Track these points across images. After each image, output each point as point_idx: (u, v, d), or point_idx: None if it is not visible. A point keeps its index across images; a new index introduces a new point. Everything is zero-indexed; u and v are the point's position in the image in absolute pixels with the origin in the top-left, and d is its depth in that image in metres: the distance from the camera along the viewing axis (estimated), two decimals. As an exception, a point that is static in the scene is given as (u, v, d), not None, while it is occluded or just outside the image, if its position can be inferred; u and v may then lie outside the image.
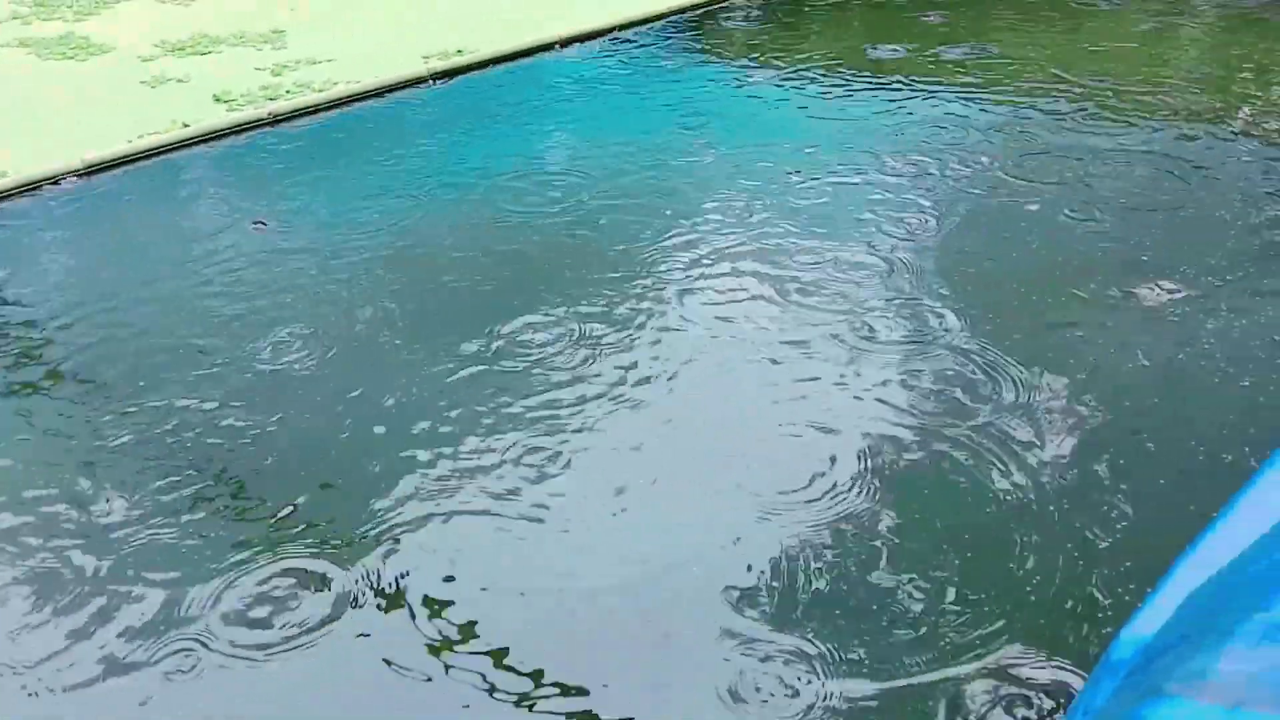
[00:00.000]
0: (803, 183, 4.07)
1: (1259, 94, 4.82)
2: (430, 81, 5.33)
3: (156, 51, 5.93)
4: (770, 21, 6.39)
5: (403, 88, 5.28)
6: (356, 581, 2.27)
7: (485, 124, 4.92)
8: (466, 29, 6.06)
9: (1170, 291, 3.18)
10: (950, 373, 2.84)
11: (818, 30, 6.15)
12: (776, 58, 5.64)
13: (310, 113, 4.98)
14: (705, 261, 3.54)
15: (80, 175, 4.37)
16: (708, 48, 5.92)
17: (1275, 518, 1.64)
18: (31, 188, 4.27)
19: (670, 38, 6.04)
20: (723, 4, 6.57)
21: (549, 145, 4.63)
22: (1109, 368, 2.84)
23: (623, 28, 6.10)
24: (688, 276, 3.45)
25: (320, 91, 5.14)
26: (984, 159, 4.21)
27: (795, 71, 5.40)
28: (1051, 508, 2.35)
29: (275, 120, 4.87)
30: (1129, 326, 3.03)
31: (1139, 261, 3.39)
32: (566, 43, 5.89)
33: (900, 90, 5.04)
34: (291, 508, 2.49)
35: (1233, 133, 4.37)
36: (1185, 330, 3.00)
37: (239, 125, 4.79)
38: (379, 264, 3.63)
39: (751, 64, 5.58)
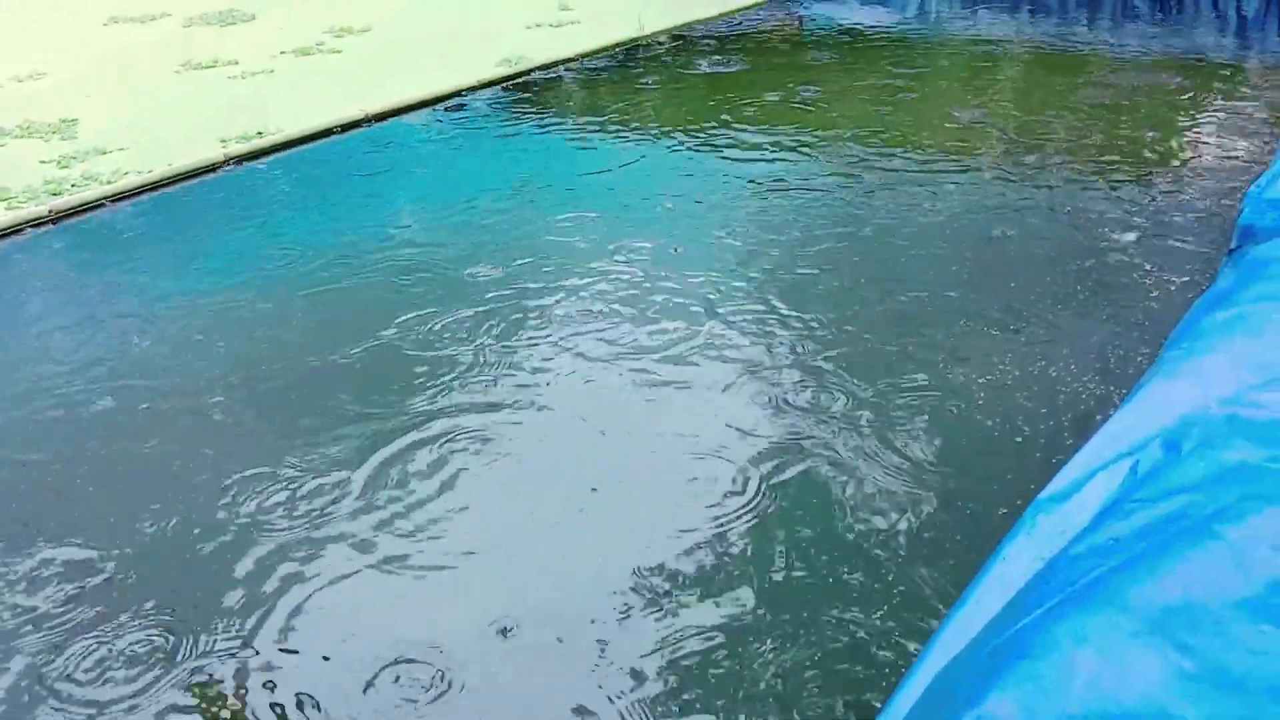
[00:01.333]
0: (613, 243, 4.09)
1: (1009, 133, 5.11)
2: (228, 164, 5.17)
3: (-69, 146, 5.59)
4: (596, 88, 6.46)
5: (199, 174, 5.09)
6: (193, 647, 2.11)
7: (288, 206, 4.78)
8: (266, 110, 5.92)
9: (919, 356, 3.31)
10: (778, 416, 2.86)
11: (646, 100, 6.24)
12: (607, 124, 5.70)
13: (96, 206, 4.75)
14: (541, 321, 3.49)
15: None
16: (517, 116, 5.93)
17: (1008, 596, 1.68)
18: None
19: (464, 115, 6.04)
20: (522, 78, 6.62)
21: (361, 223, 4.51)
22: (873, 447, 2.92)
23: (421, 105, 6.08)
24: (523, 330, 3.39)
25: (109, 184, 4.91)
26: (779, 213, 4.31)
27: (619, 135, 5.47)
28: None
29: (57, 217, 4.63)
30: (891, 400, 3.12)
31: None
32: (377, 118, 5.82)
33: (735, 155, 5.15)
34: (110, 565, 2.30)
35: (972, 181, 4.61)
36: (941, 394, 3.11)
37: (17, 225, 4.53)
38: (185, 352, 3.44)
39: (573, 130, 5.62)
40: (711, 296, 3.63)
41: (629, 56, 7.12)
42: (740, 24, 7.94)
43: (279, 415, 3.05)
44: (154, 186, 4.94)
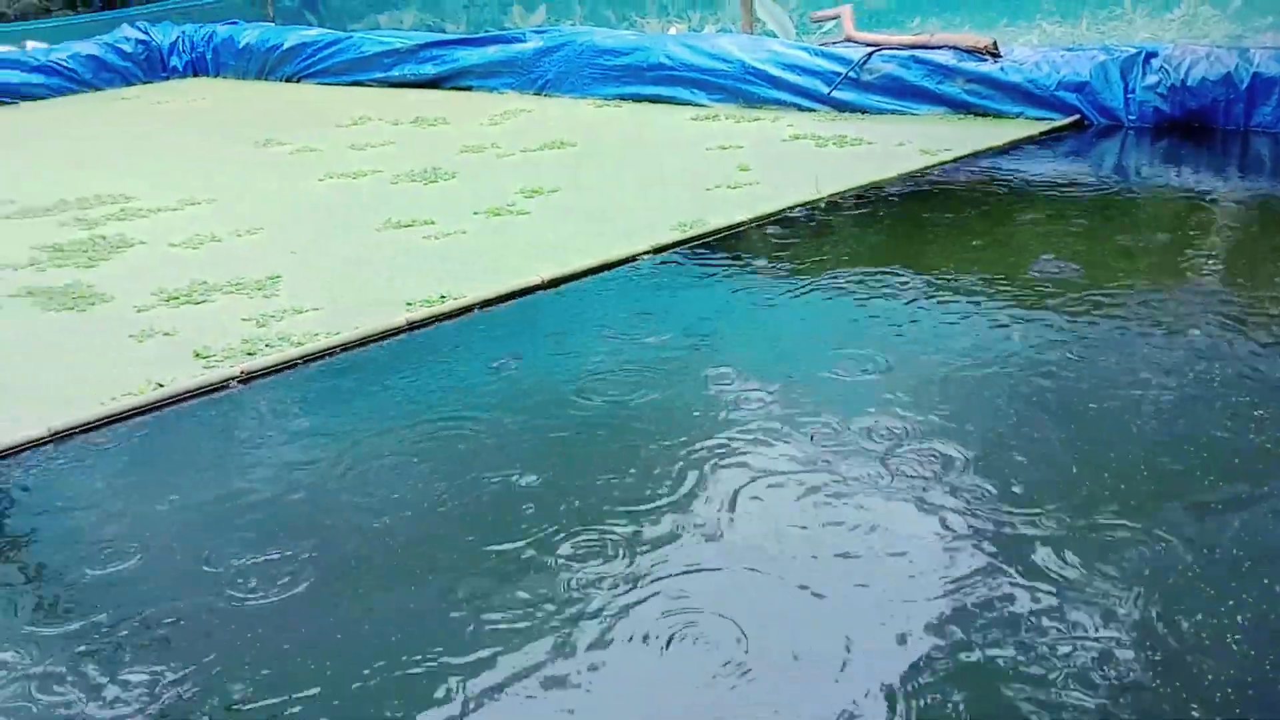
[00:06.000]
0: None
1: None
2: (409, 329, 5.41)
3: (153, 301, 6.11)
4: (768, 249, 6.47)
5: (381, 339, 5.34)
6: None
7: (449, 371, 4.93)
8: (452, 272, 6.20)
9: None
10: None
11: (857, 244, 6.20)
12: (797, 278, 5.69)
13: (284, 369, 5.03)
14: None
15: (49, 443, 4.41)
16: (690, 278, 5.98)
17: None
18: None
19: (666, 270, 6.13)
20: (699, 241, 6.68)
21: (530, 394, 4.60)
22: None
23: (597, 270, 6.21)
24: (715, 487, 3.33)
25: (299, 345, 5.22)
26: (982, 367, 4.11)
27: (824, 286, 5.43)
28: None
29: (247, 377, 4.93)
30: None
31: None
32: (554, 283, 5.98)
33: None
34: None
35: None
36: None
37: (210, 385, 4.84)
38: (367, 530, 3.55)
39: (765, 287, 5.63)
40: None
41: (806, 217, 7.11)
42: (924, 182, 7.83)
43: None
44: (342, 349, 5.21)
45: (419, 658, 2.94)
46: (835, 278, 5.83)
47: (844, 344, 4.91)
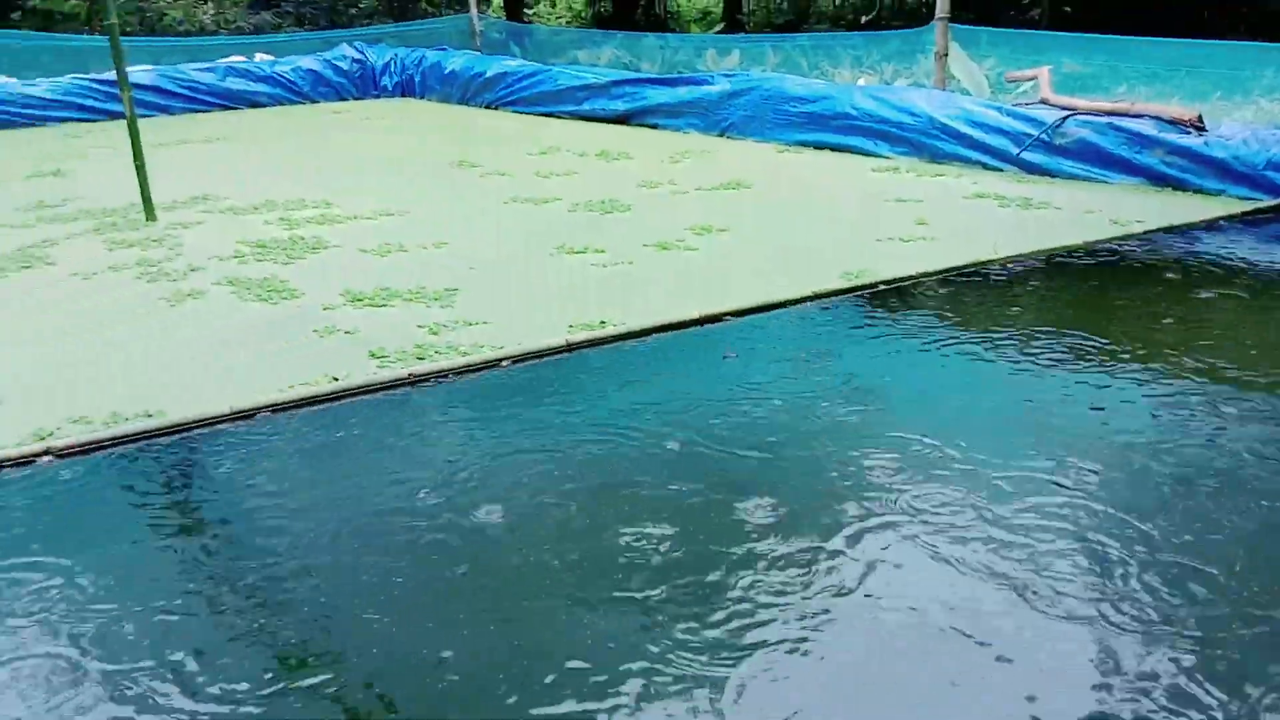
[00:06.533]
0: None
1: None
2: (567, 349, 5.56)
3: (339, 300, 6.50)
4: (933, 306, 6.36)
5: (540, 356, 5.52)
6: None
7: (601, 395, 5.04)
8: (615, 300, 6.34)
9: None
10: None
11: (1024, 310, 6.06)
12: (959, 337, 5.59)
13: (448, 375, 5.26)
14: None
15: (229, 421, 4.76)
16: (845, 329, 5.93)
17: None
18: (183, 428, 4.69)
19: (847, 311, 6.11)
20: (863, 291, 6.61)
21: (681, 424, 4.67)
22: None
23: (767, 308, 6.22)
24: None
25: (465, 355, 5.46)
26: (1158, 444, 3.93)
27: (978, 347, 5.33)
28: None
29: (415, 380, 5.18)
30: None
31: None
32: (708, 320, 6.04)
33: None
34: None
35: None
36: None
37: (380, 384, 5.12)
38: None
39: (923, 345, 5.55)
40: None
41: (979, 277, 6.94)
42: (1110, 252, 7.52)
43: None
44: (505, 361, 5.41)
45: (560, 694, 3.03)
46: (1002, 341, 5.67)
47: (1007, 410, 4.78)
